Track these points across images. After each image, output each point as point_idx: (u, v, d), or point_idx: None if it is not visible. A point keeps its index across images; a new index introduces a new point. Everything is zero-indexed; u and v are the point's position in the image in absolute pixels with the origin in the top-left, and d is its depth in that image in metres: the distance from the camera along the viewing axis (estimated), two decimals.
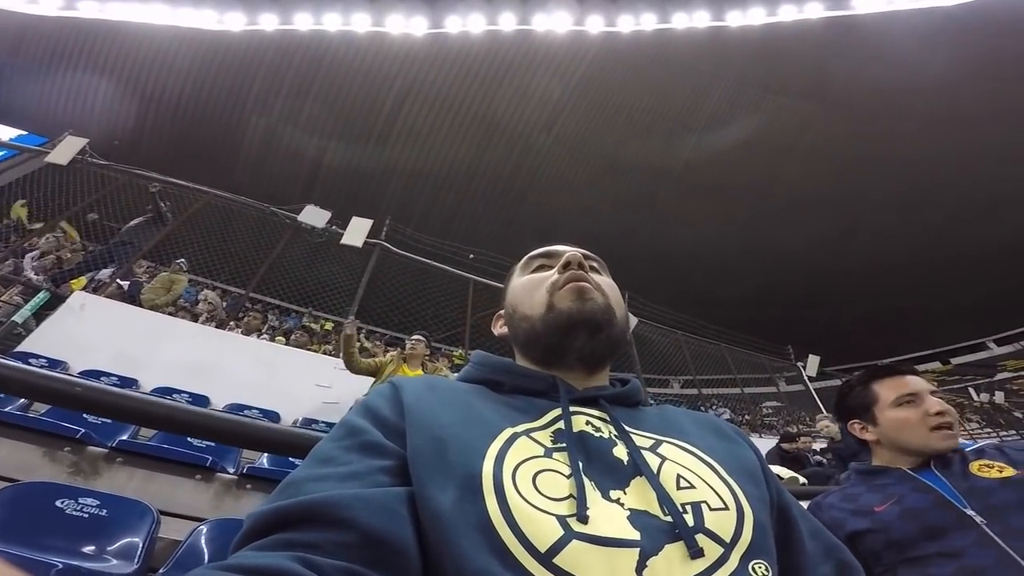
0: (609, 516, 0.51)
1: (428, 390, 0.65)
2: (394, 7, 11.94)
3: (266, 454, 3.14)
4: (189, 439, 2.99)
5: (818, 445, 6.21)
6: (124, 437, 2.84)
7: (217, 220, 7.94)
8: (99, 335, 4.72)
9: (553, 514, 0.50)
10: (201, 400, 4.42)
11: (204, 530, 2.07)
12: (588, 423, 0.63)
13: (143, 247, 6.39)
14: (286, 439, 1.26)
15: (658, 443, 0.63)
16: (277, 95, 13.17)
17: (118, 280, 5.98)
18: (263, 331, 8.38)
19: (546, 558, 0.46)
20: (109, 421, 2.99)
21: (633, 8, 12.14)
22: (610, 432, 0.63)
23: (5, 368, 1.11)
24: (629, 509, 0.53)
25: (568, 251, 0.79)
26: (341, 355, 4.61)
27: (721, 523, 0.53)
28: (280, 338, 7.79)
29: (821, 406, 9.58)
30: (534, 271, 0.82)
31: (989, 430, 10.93)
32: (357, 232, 7.37)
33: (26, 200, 7.53)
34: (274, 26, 12.10)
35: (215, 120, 13.23)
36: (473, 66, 12.97)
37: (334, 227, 7.51)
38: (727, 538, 0.52)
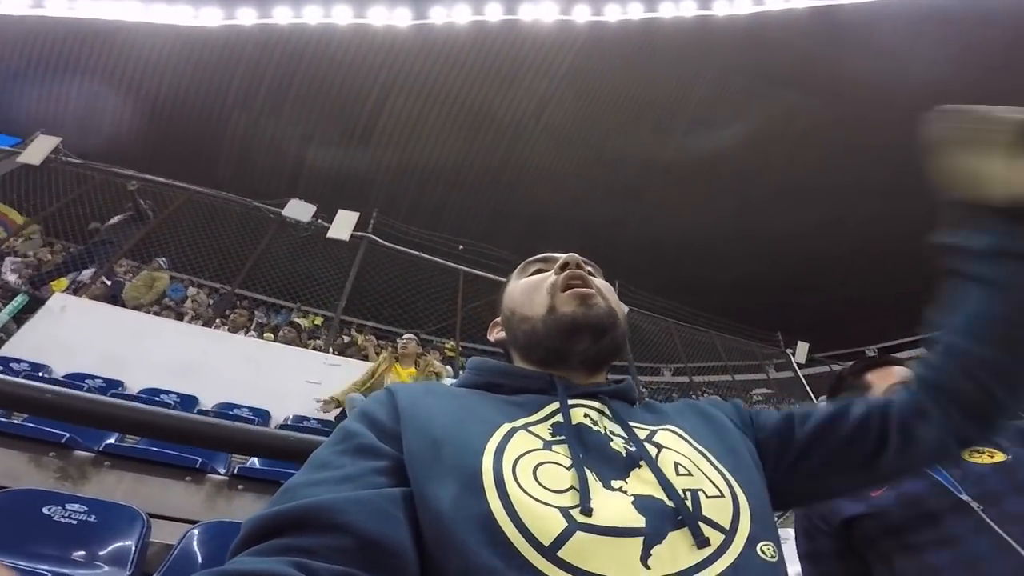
0: (613, 505, 0.51)
1: (424, 395, 0.65)
2: None
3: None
4: None
5: None
6: (111, 441, 2.79)
7: (200, 217, 7.83)
8: (82, 337, 4.63)
9: (556, 506, 0.49)
10: (189, 401, 4.37)
11: (196, 533, 2.04)
12: (586, 415, 0.63)
13: (124, 246, 6.28)
14: (274, 443, 1.23)
15: (653, 432, 0.64)
16: (258, 90, 12.95)
17: (104, 279, 5.88)
18: (250, 328, 8.28)
19: (550, 551, 0.46)
20: None
21: None
22: (608, 424, 0.63)
23: None
24: (633, 495, 0.53)
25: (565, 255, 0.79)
26: (332, 348, 4.58)
27: (719, 510, 0.53)
28: (268, 334, 7.70)
29: (811, 393, 9.69)
30: (531, 275, 0.82)
31: None
32: (344, 225, 7.32)
33: None
34: (252, 20, 11.85)
35: (195, 117, 12.98)
36: (459, 57, 12.83)
37: (320, 221, 7.44)
38: (726, 525, 0.52)
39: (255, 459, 3.13)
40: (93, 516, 1.98)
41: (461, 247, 10.11)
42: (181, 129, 12.94)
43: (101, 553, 1.91)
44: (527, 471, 0.53)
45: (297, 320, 9.50)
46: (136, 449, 2.76)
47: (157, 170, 7.39)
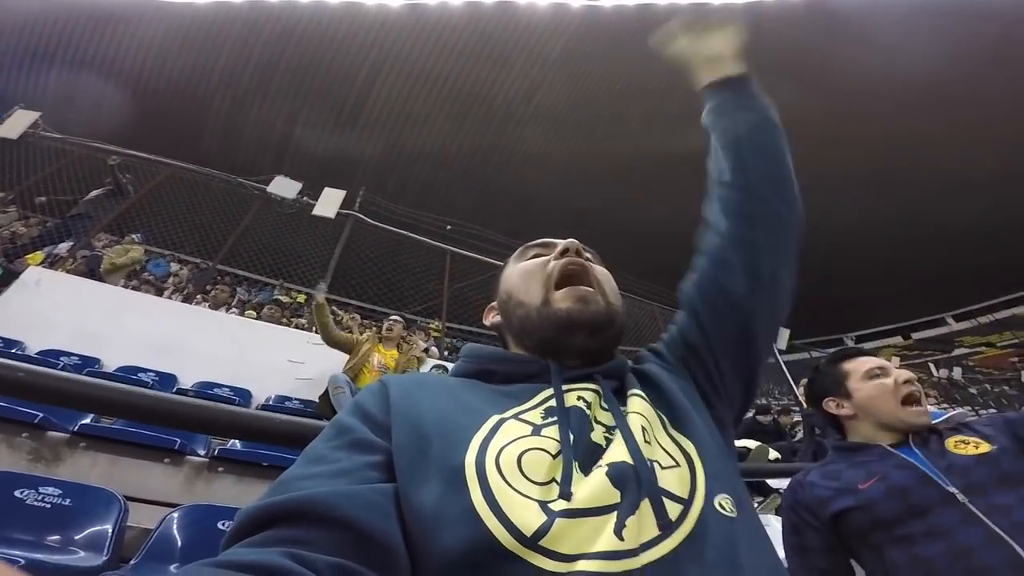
0: (590, 484, 0.51)
1: (416, 387, 0.65)
2: None
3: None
4: None
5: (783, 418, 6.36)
6: (86, 421, 2.72)
7: (182, 192, 7.65)
8: (57, 312, 4.51)
9: (536, 500, 0.50)
10: (168, 379, 4.30)
11: (176, 517, 2.02)
12: (579, 398, 0.63)
13: (102, 220, 6.12)
14: (254, 424, 1.19)
15: (627, 398, 0.65)
16: (245, 68, 12.71)
17: (85, 253, 5.74)
18: (232, 304, 8.16)
19: (532, 541, 0.46)
20: None
21: None
22: (599, 411, 0.63)
23: None
24: (607, 463, 0.53)
25: (564, 241, 0.78)
26: (315, 327, 4.53)
27: (675, 480, 0.54)
28: (250, 312, 7.59)
29: (790, 378, 9.84)
30: (529, 260, 0.81)
31: (946, 406, 11.41)
32: (329, 203, 7.21)
33: None
34: None
35: (179, 95, 12.75)
36: (451, 38, 12.65)
37: (305, 198, 7.32)
38: (684, 495, 0.53)
39: (236, 440, 3.09)
40: (68, 500, 1.95)
41: (449, 227, 10.04)
42: (165, 107, 12.76)
43: (76, 538, 1.87)
44: (511, 461, 0.53)
45: (280, 296, 9.40)
46: (112, 430, 2.70)
47: (139, 148, 7.21)
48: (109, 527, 1.91)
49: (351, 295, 10.40)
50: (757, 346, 0.76)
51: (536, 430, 0.58)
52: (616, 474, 0.52)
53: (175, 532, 1.98)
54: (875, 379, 1.35)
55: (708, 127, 0.89)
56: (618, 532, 0.47)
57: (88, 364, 4.09)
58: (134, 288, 5.99)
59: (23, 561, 1.57)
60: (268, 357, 5.07)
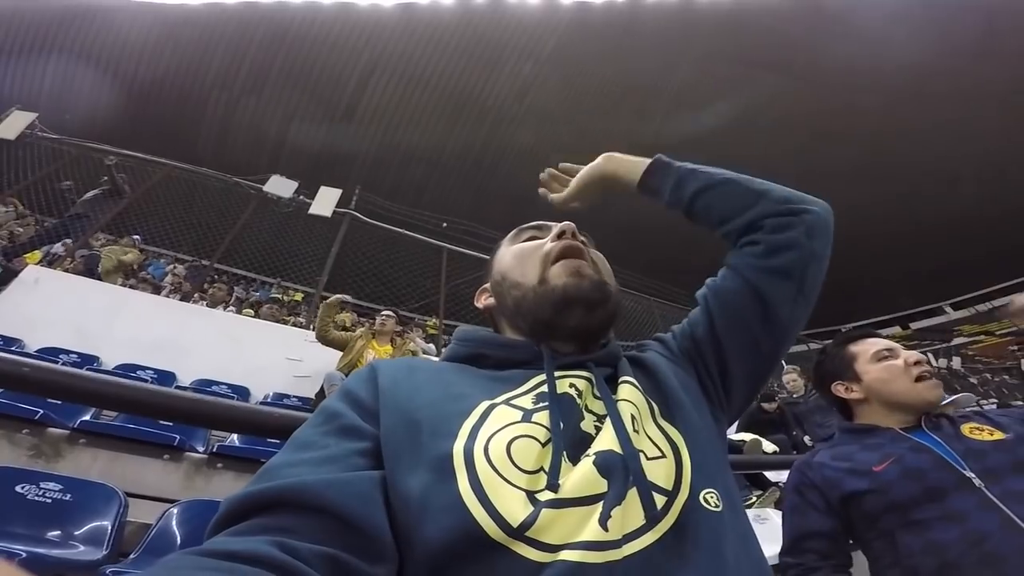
0: (578, 474, 0.50)
1: (406, 372, 0.64)
2: None
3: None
4: None
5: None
6: (86, 417, 2.74)
7: (179, 192, 7.66)
8: (56, 311, 4.52)
9: (523, 489, 0.49)
10: (167, 377, 4.31)
11: (175, 512, 2.04)
12: (571, 386, 0.62)
13: (99, 220, 6.14)
14: (252, 418, 1.21)
15: (618, 386, 0.63)
16: (239, 69, 12.66)
17: (83, 252, 5.75)
18: (229, 303, 8.17)
19: (518, 531, 0.46)
20: None
21: None
22: (590, 400, 0.62)
23: None
24: (595, 452, 0.53)
25: (561, 223, 0.77)
26: (316, 322, 4.54)
27: (660, 472, 0.53)
28: (247, 310, 7.60)
29: (783, 364, 9.89)
30: (524, 242, 0.79)
31: (946, 395, 11.42)
32: (326, 202, 7.23)
33: None
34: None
35: (174, 96, 12.69)
36: (443, 38, 12.62)
37: (301, 197, 7.33)
38: (668, 486, 0.52)
39: (234, 437, 3.10)
40: (68, 495, 1.96)
41: (445, 224, 10.04)
42: (159, 108, 12.69)
43: (77, 532, 1.89)
44: (500, 447, 0.52)
45: (277, 295, 9.40)
46: (112, 426, 2.72)
47: (135, 148, 7.22)
48: (109, 522, 1.92)
49: (347, 293, 10.40)
50: (774, 357, 0.76)
51: (527, 416, 0.57)
52: (603, 463, 0.51)
53: (174, 527, 2.00)
54: (884, 360, 1.32)
55: (684, 204, 0.83)
56: (603, 523, 0.47)
57: (87, 362, 4.10)
58: (131, 287, 5.99)
59: (24, 555, 1.59)
60: (266, 355, 5.09)
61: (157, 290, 6.64)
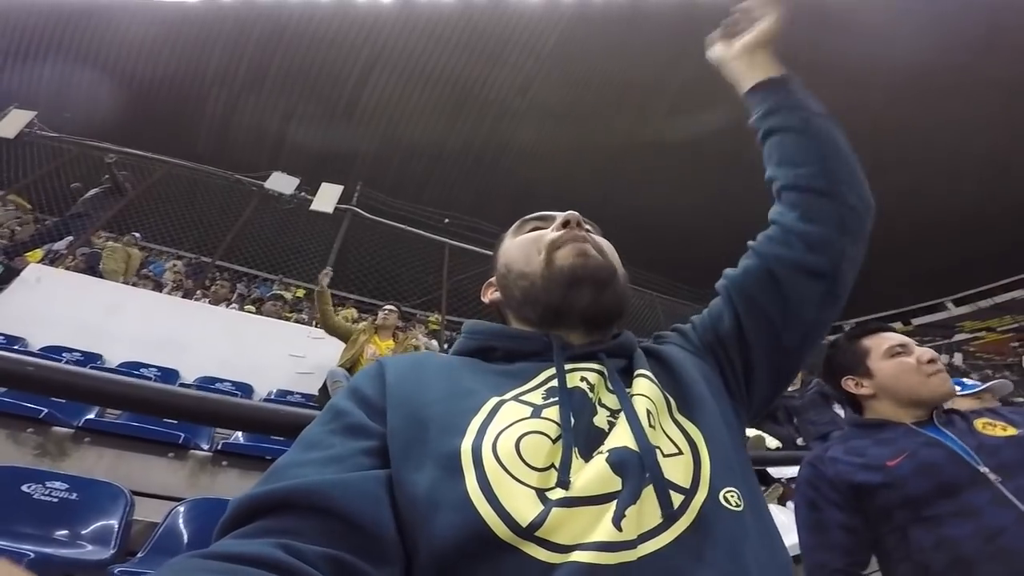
0: (590, 471, 0.49)
1: (413, 368, 0.63)
2: None
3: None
4: None
5: None
6: (91, 416, 2.74)
7: (180, 189, 7.65)
8: (59, 309, 4.52)
9: (533, 487, 0.48)
10: (171, 375, 4.32)
11: (182, 511, 2.03)
12: (583, 379, 0.61)
13: (100, 218, 6.13)
14: (256, 415, 1.20)
15: (633, 379, 0.62)
16: (238, 67, 12.63)
17: (84, 250, 5.75)
18: (232, 300, 8.16)
19: (527, 531, 0.45)
20: None
21: None
22: (603, 392, 0.60)
23: None
24: (609, 448, 0.51)
25: (565, 212, 0.77)
26: (316, 321, 4.53)
27: (677, 469, 0.52)
28: (249, 307, 7.59)
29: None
30: (528, 233, 0.79)
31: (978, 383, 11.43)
32: (327, 198, 7.22)
33: None
34: None
35: (173, 95, 12.67)
36: (444, 33, 12.57)
37: (303, 193, 7.31)
38: (686, 484, 0.51)
39: (239, 434, 3.10)
40: (74, 494, 1.95)
41: (446, 220, 10.02)
42: (159, 106, 12.66)
43: (83, 532, 1.88)
44: (509, 446, 0.51)
45: (279, 291, 9.39)
46: (116, 424, 2.71)
47: (135, 146, 7.21)
48: (116, 521, 1.92)
49: (350, 289, 10.39)
50: (800, 356, 0.74)
51: (536, 411, 0.56)
52: (617, 460, 0.50)
53: (181, 526, 1.99)
54: (897, 357, 1.30)
55: (762, 130, 0.87)
56: (616, 522, 0.45)
57: (90, 360, 4.10)
58: (133, 284, 5.99)
59: (32, 555, 1.58)
60: (269, 352, 5.09)
61: (158, 287, 6.64)
